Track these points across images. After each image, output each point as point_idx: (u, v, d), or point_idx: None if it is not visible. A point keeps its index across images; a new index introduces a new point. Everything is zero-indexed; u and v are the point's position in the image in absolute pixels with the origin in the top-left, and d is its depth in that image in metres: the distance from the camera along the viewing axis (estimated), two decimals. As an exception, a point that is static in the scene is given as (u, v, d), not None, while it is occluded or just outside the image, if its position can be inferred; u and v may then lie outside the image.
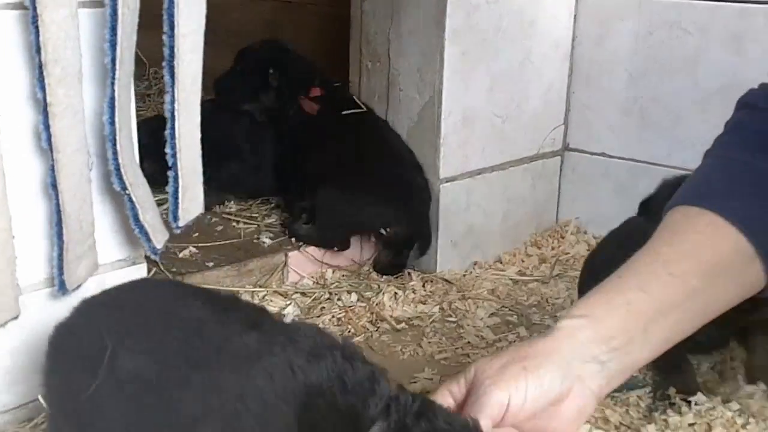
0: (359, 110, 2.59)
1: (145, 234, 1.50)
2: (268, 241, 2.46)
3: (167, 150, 1.48)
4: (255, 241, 2.48)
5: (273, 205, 2.82)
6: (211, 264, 2.26)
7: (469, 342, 2.02)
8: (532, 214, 2.77)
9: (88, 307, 1.27)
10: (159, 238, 1.53)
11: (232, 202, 2.81)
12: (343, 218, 2.47)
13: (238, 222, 2.64)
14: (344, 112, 2.59)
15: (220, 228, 2.58)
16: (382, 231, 2.45)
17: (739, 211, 1.25)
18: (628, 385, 1.64)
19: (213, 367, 1.07)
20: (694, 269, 1.23)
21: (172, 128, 1.47)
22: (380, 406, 1.02)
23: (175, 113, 1.46)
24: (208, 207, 2.62)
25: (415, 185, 2.46)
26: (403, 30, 2.43)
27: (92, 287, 1.55)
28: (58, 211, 1.41)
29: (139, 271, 1.66)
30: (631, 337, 1.19)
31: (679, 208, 1.31)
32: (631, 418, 1.59)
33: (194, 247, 2.37)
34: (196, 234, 2.50)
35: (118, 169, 1.43)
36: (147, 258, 1.68)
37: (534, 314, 2.18)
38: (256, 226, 2.62)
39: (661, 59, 2.57)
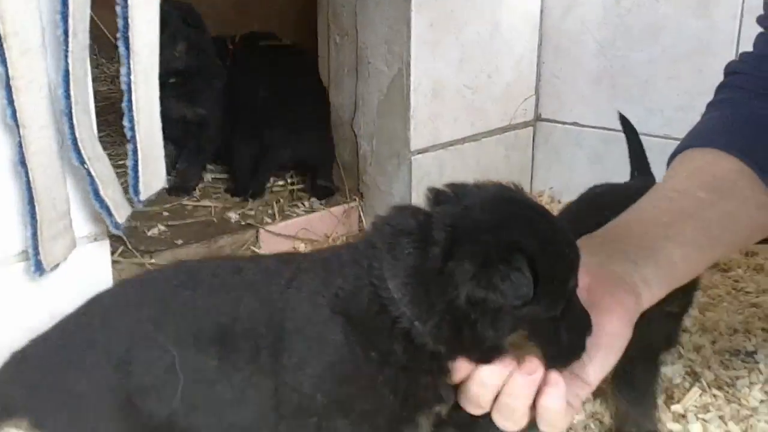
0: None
1: (107, 209, 1.47)
2: (236, 217, 2.45)
3: (125, 123, 1.45)
4: (224, 218, 2.47)
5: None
6: (180, 242, 2.24)
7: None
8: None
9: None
10: (121, 213, 1.50)
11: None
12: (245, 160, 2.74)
13: (207, 199, 2.63)
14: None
15: (189, 206, 2.56)
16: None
17: (738, 143, 1.26)
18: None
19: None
20: (697, 184, 1.22)
21: (129, 101, 1.44)
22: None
23: (132, 85, 1.43)
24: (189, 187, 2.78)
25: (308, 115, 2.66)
26: (369, 2, 2.42)
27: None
28: (29, 189, 1.38)
29: (102, 248, 1.62)
30: (653, 239, 1.15)
31: (679, 155, 1.31)
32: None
33: (163, 225, 2.35)
34: (166, 213, 2.48)
35: (75, 143, 1.40)
36: (114, 236, 1.65)
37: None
38: (225, 203, 2.61)
39: (629, 27, 2.57)
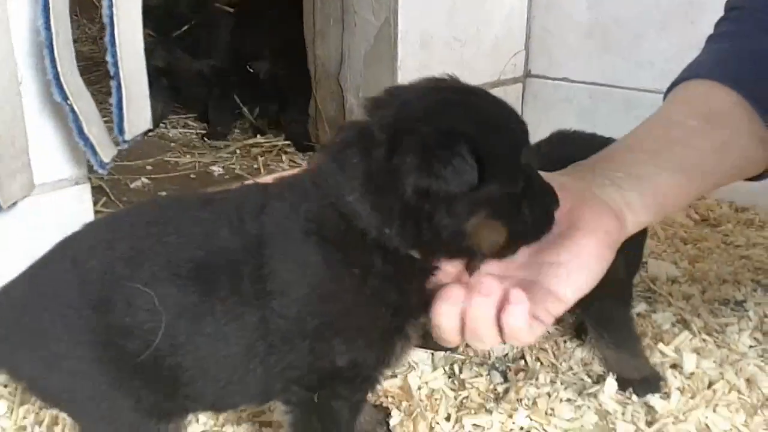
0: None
1: (91, 147, 1.43)
2: (220, 170, 2.43)
3: (108, 58, 1.42)
4: (207, 171, 2.45)
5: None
6: (163, 193, 2.21)
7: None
8: (493, 141, 2.73)
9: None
10: (106, 151, 1.47)
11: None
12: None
13: (192, 153, 2.60)
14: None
15: (172, 161, 2.53)
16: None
17: (735, 75, 1.24)
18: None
19: None
20: (690, 113, 1.21)
21: (112, 35, 1.40)
22: None
23: (114, 19, 1.39)
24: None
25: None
26: (356, -50, 2.37)
27: (32, 208, 1.50)
28: (-12, 124, 1.35)
29: (83, 191, 1.59)
30: (641, 164, 1.14)
31: (675, 86, 1.29)
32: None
33: (147, 178, 2.33)
34: (149, 167, 2.46)
35: (57, 78, 1.36)
36: (96, 188, 1.62)
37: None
38: (208, 157, 2.58)
39: (620, -20, 2.54)
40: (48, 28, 1.33)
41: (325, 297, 1.03)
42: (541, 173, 1.09)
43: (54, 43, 1.35)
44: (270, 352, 1.06)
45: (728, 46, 1.31)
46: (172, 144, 2.72)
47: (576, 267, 1.03)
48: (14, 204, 1.43)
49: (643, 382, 1.44)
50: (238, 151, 2.70)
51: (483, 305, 1.00)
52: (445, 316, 1.02)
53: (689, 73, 1.29)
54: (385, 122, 0.99)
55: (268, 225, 1.04)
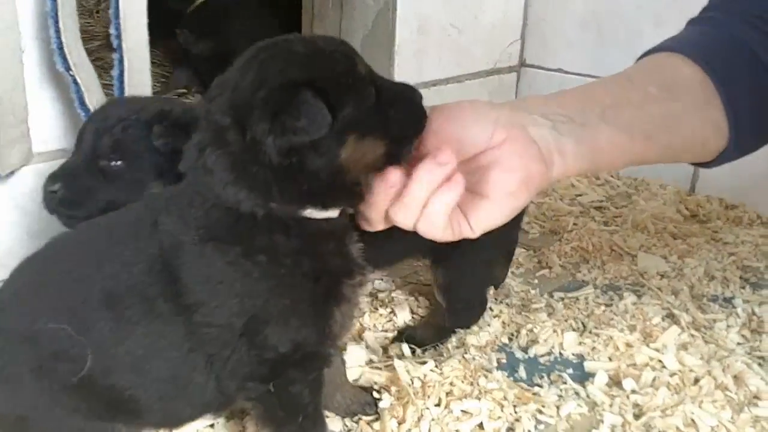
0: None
1: (91, 118, 1.44)
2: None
3: (111, 30, 1.41)
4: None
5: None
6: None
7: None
8: (486, 129, 2.73)
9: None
10: (106, 123, 1.47)
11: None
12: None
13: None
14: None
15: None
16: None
17: (708, 55, 1.23)
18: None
19: None
20: (653, 80, 1.20)
21: (116, 8, 1.40)
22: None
23: (119, -8, 1.39)
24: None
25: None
26: (357, -68, 2.36)
27: (30, 177, 1.50)
28: (-12, 92, 1.34)
29: (82, 162, 1.59)
30: (587, 114, 1.12)
31: (651, 54, 1.29)
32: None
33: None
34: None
35: (60, 48, 1.36)
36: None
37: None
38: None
39: (618, -29, 2.53)
40: (53, -2, 1.33)
41: (242, 294, 1.06)
42: (483, 101, 1.10)
43: (59, 13, 1.34)
44: (212, 360, 1.10)
45: (707, 29, 1.30)
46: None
47: (485, 202, 1.05)
48: (13, 172, 1.43)
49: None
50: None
51: (430, 170, 1.01)
52: (379, 194, 1.04)
53: (663, 45, 1.29)
54: (224, 107, 1.01)
55: (165, 242, 1.08)
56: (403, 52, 2.37)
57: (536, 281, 1.86)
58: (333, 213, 1.07)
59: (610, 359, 1.51)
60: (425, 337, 1.58)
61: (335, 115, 0.98)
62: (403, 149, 1.05)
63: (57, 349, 1.08)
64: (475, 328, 1.60)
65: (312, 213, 1.04)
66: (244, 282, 1.05)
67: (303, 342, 1.09)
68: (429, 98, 2.41)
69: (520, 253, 1.97)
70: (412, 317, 1.69)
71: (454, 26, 2.51)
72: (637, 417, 1.36)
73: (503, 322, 1.63)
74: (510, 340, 1.59)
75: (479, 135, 1.05)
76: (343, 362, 1.38)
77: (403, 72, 2.39)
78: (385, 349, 1.56)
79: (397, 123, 1.04)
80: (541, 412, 1.37)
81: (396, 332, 1.63)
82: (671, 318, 1.66)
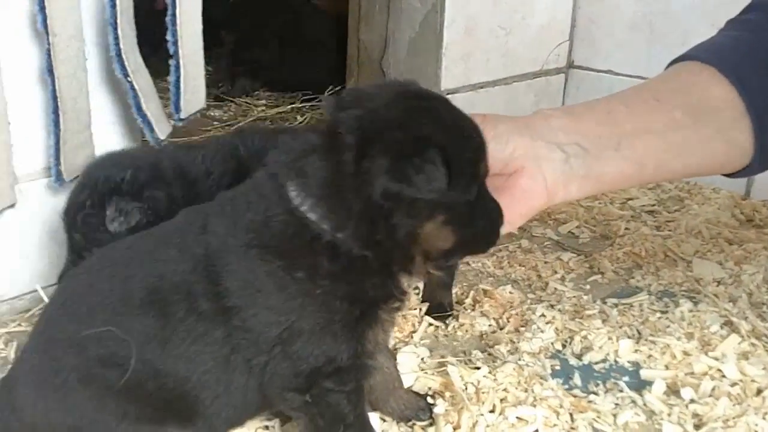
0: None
1: (148, 124, 1.45)
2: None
3: (168, 37, 1.42)
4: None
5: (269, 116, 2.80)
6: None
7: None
8: (534, 132, 2.71)
9: None
10: (162, 128, 1.49)
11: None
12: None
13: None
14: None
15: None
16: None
17: (737, 69, 1.22)
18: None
19: None
20: (679, 102, 1.21)
21: (173, 15, 1.41)
22: None
23: (176, 1, 1.40)
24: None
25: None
26: (404, -65, 2.36)
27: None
28: (55, 98, 1.36)
29: (137, 167, 1.61)
30: (603, 144, 1.17)
31: (681, 62, 1.29)
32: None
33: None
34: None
35: (119, 54, 1.38)
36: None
37: (536, 227, 2.15)
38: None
39: (670, -29, 2.50)
40: (113, 5, 1.34)
41: (277, 305, 1.07)
42: (508, 124, 1.17)
43: (118, 20, 1.35)
44: (250, 365, 1.10)
45: (747, 36, 1.27)
46: (215, 123, 2.73)
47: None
48: (76, 177, 1.45)
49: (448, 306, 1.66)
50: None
51: None
52: None
53: (698, 52, 1.28)
54: (355, 125, 1.01)
55: (212, 244, 1.09)
56: (450, 55, 2.37)
57: (588, 287, 1.84)
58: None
59: (667, 367, 1.49)
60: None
61: (447, 189, 1.00)
62: (455, 258, 1.13)
63: (103, 352, 1.09)
64: (527, 334, 1.59)
65: (367, 253, 1.06)
66: (280, 295, 1.06)
67: (335, 357, 1.10)
68: (476, 101, 2.43)
69: (570, 257, 1.96)
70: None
71: (502, 28, 2.50)
72: (697, 427, 1.33)
73: (556, 329, 1.62)
74: (564, 346, 1.57)
75: (495, 164, 1.12)
76: (396, 366, 1.37)
77: (450, 75, 2.38)
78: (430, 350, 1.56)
79: (474, 232, 1.08)
80: (597, 420, 1.36)
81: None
82: (730, 326, 1.62)
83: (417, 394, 1.41)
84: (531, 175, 1.15)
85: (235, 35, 3.23)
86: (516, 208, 1.15)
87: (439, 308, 1.68)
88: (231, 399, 1.14)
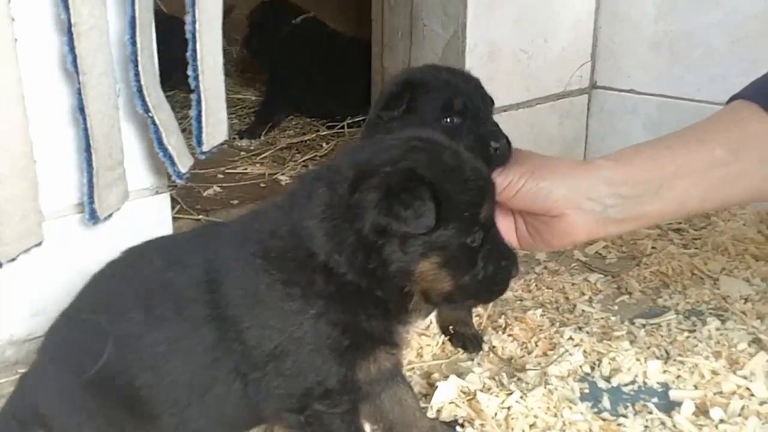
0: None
1: (170, 158, 1.47)
2: (286, 179, 2.46)
3: (189, 72, 1.45)
4: (275, 179, 2.49)
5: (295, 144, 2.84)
6: (235, 201, 2.25)
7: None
8: (559, 153, 2.71)
9: None
10: (184, 161, 1.50)
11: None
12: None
13: (261, 163, 2.64)
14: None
15: (243, 169, 2.57)
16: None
17: None
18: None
19: None
20: (721, 140, 1.27)
21: (194, 50, 1.43)
22: None
23: (197, 34, 1.42)
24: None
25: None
26: (425, -37, 2.38)
27: (116, 216, 1.54)
28: (87, 137, 1.39)
29: (163, 201, 1.63)
30: (643, 189, 1.27)
31: (732, 102, 1.35)
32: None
33: (218, 186, 2.37)
34: (221, 175, 2.50)
35: (140, 90, 1.40)
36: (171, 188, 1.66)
37: (573, 250, 2.14)
38: (278, 165, 2.61)
39: (691, -9, 2.50)
40: (133, 42, 1.37)
41: (272, 321, 1.09)
42: (543, 164, 1.29)
43: (138, 56, 1.38)
44: (246, 381, 1.12)
45: None
46: (242, 153, 2.76)
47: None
48: (111, 215, 1.48)
49: (473, 337, 1.65)
50: (300, 160, 2.74)
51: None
52: None
53: (744, 90, 1.34)
54: (354, 161, 1.07)
55: (220, 251, 1.12)
56: (473, 80, 2.37)
57: (616, 308, 1.83)
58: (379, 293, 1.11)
59: (695, 387, 1.48)
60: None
61: (435, 228, 1.03)
62: (457, 303, 1.14)
63: (81, 339, 1.14)
64: (554, 356, 1.58)
65: (362, 282, 1.09)
66: (275, 311, 1.09)
67: (325, 380, 1.12)
68: (501, 124, 2.41)
69: (597, 279, 1.95)
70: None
71: (524, 51, 2.50)
72: (727, 447, 1.32)
73: (585, 351, 1.61)
74: (592, 369, 1.56)
75: (543, 205, 1.27)
76: (415, 397, 1.37)
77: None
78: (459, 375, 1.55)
79: (473, 278, 1.10)
80: (626, 441, 1.35)
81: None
82: (758, 343, 1.61)
83: (443, 422, 1.40)
84: (570, 221, 1.27)
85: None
86: (555, 241, 1.32)
87: (463, 340, 1.68)
88: (204, 410, 1.15)
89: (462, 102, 1.40)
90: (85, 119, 1.38)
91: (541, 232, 1.32)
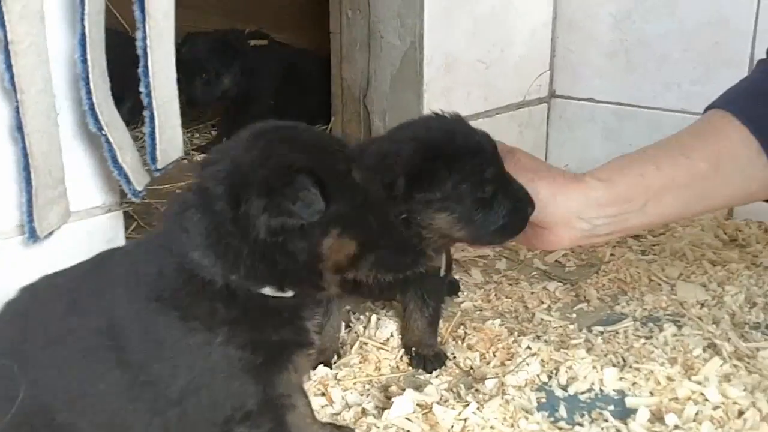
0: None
1: (125, 176, 1.46)
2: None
3: (141, 89, 1.44)
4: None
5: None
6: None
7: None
8: (519, 162, 2.72)
9: None
10: (139, 179, 1.49)
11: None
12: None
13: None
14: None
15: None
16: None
17: (749, 110, 1.34)
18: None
19: None
20: (705, 153, 1.34)
21: (145, 66, 1.42)
22: None
23: (148, 50, 1.41)
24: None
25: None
26: (382, -26, 2.39)
27: (66, 235, 1.52)
28: (26, 155, 1.37)
29: (116, 219, 1.61)
30: (630, 207, 1.37)
31: (709, 111, 1.41)
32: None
33: (176, 201, 2.33)
34: (179, 191, 2.46)
35: (92, 108, 1.39)
36: (127, 213, 1.64)
37: (522, 256, 2.16)
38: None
39: (643, 0, 2.53)
40: (84, 60, 1.36)
41: (178, 357, 1.09)
42: (544, 170, 1.42)
43: (90, 74, 1.37)
44: (164, 418, 1.11)
45: (757, 76, 1.33)
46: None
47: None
48: (51, 233, 1.46)
49: (434, 357, 1.64)
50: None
51: None
52: None
53: (720, 101, 1.39)
54: (220, 176, 1.06)
55: (115, 296, 1.12)
56: (431, 90, 2.39)
57: (574, 316, 1.84)
58: (288, 293, 1.12)
59: (651, 394, 1.49)
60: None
61: (327, 206, 1.04)
62: (369, 260, 1.14)
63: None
64: (511, 366, 1.59)
65: (267, 291, 1.10)
66: (180, 347, 1.08)
67: (242, 404, 1.11)
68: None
69: (557, 287, 1.96)
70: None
71: (481, 62, 2.52)
72: (682, 454, 1.33)
73: (542, 360, 1.61)
74: (549, 378, 1.57)
75: (535, 216, 1.38)
76: (308, 404, 1.35)
77: (432, 110, 2.40)
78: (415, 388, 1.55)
79: (381, 236, 1.13)
80: (582, 450, 1.36)
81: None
82: (712, 348, 1.63)
83: (338, 427, 1.40)
84: (558, 234, 1.41)
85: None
86: (539, 246, 1.49)
87: (424, 361, 1.66)
88: None
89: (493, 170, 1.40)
90: (23, 138, 1.37)
91: (527, 233, 1.42)
